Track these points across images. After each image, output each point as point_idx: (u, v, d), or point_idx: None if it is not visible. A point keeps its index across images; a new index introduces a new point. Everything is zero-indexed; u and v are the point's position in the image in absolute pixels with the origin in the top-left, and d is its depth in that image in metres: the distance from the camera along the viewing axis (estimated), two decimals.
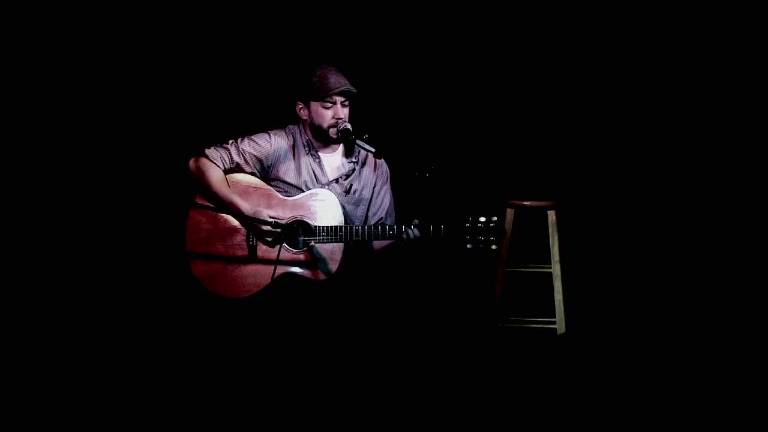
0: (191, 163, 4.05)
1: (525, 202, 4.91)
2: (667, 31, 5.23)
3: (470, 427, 3.76)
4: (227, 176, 4.06)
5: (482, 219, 3.88)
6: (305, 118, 4.13)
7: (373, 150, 4.07)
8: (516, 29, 5.30)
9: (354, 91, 4.06)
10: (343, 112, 4.07)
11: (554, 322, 4.90)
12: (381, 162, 4.24)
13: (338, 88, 4.03)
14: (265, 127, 4.17)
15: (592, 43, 5.29)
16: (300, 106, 4.13)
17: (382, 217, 4.21)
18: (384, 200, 4.23)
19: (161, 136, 4.98)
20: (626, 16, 5.24)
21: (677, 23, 5.21)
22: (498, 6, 5.27)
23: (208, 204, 4.02)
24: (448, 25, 5.28)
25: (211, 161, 4.04)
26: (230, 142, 4.10)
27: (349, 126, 4.07)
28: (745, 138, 5.22)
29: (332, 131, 4.08)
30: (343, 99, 4.06)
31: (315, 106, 4.08)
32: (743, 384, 4.13)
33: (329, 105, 4.06)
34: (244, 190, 4.04)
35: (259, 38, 5.13)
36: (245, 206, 3.99)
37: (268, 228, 3.94)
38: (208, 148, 4.07)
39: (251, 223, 3.97)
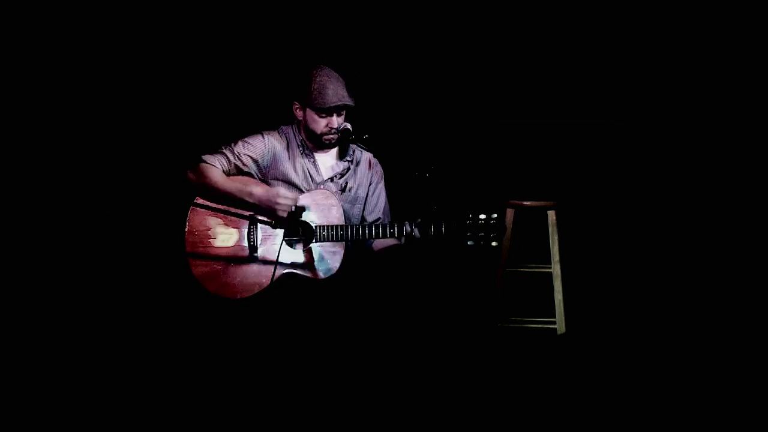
0: (190, 172, 4.04)
1: (525, 202, 4.91)
2: (666, 31, 5.23)
3: (470, 427, 3.76)
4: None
5: (482, 216, 3.89)
6: (300, 118, 4.13)
7: (371, 151, 4.08)
8: (517, 29, 5.30)
9: (351, 105, 4.05)
10: (338, 121, 4.07)
11: (554, 322, 4.90)
12: (375, 161, 4.25)
13: (335, 103, 4.01)
14: (260, 128, 4.17)
15: (592, 43, 5.29)
16: (296, 105, 4.13)
17: (380, 217, 4.22)
18: (379, 199, 4.24)
19: (160, 136, 4.98)
20: (626, 16, 5.24)
21: (677, 23, 5.21)
22: (498, 5, 5.27)
23: (209, 204, 4.02)
24: (448, 24, 5.28)
25: (210, 165, 4.04)
26: (224, 146, 4.09)
27: (348, 126, 4.07)
28: (745, 138, 5.22)
29: (325, 138, 4.08)
30: (339, 110, 4.07)
31: (310, 112, 4.08)
32: (743, 384, 4.13)
33: (324, 115, 4.05)
34: None
35: (256, 37, 5.12)
36: (260, 190, 3.97)
37: (286, 207, 3.94)
38: (204, 154, 4.07)
39: (269, 205, 3.96)
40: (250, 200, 3.99)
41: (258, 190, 3.99)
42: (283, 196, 3.96)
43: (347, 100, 4.04)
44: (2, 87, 4.86)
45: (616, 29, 5.26)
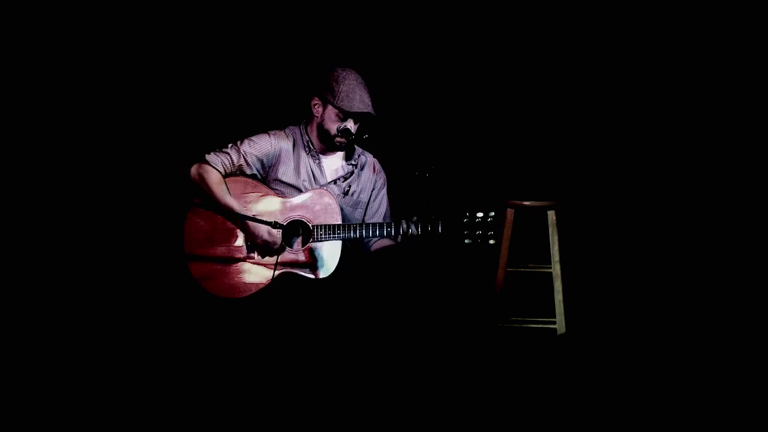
0: (192, 170, 4.04)
1: (525, 202, 4.91)
2: (667, 30, 5.23)
3: (470, 427, 3.75)
4: (226, 179, 4.06)
5: (479, 214, 3.89)
6: (317, 115, 4.12)
7: (370, 153, 4.09)
8: (517, 29, 5.30)
9: (373, 114, 4.06)
10: (354, 127, 4.08)
11: (554, 322, 4.89)
12: (379, 167, 4.26)
13: (361, 109, 4.03)
14: (266, 127, 4.18)
15: (592, 43, 5.28)
16: (316, 102, 4.11)
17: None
18: (381, 205, 4.25)
19: (161, 136, 4.98)
20: (626, 16, 5.24)
21: (677, 23, 5.20)
22: (499, 5, 5.27)
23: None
24: (448, 24, 5.28)
25: (212, 167, 4.04)
26: (230, 145, 4.09)
27: (349, 126, 4.08)
28: (745, 138, 5.21)
29: (337, 140, 4.09)
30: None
31: (330, 111, 4.07)
32: (743, 384, 4.12)
33: (345, 118, 4.05)
34: (242, 193, 4.04)
35: (258, 37, 5.13)
36: (246, 222, 3.98)
37: (266, 241, 3.95)
38: (208, 153, 4.06)
39: (251, 233, 3.98)
40: (232, 219, 4.00)
41: (244, 213, 3.98)
42: (266, 233, 3.97)
43: (371, 109, 4.05)
44: (2, 87, 4.86)
45: (616, 29, 5.25)
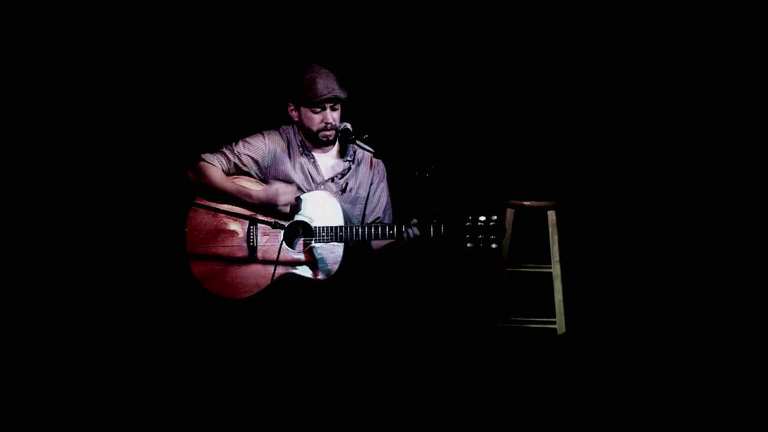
0: (190, 171, 4.05)
1: (525, 202, 4.91)
2: (666, 30, 5.23)
3: (470, 427, 3.76)
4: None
5: (482, 218, 3.88)
6: (296, 119, 4.13)
7: (372, 150, 4.08)
8: (517, 28, 5.30)
9: (342, 96, 4.06)
10: (333, 116, 4.07)
11: (554, 322, 4.90)
12: (377, 161, 4.25)
13: (325, 95, 4.02)
14: (260, 128, 4.18)
15: (592, 43, 5.28)
16: (291, 107, 4.13)
17: (379, 216, 4.22)
18: (381, 198, 4.24)
19: (161, 137, 4.98)
20: (626, 16, 5.24)
21: (677, 23, 5.21)
22: (498, 5, 5.27)
23: (209, 204, 4.01)
24: (448, 23, 5.28)
25: (210, 164, 4.05)
26: (225, 146, 4.10)
27: (349, 126, 4.08)
28: (745, 138, 5.21)
29: (321, 135, 4.08)
30: (332, 104, 4.06)
31: (305, 110, 4.08)
32: (743, 384, 4.13)
33: (318, 110, 4.06)
34: None
35: (253, 37, 5.12)
36: (259, 190, 3.99)
37: (287, 201, 3.97)
38: (205, 153, 4.07)
39: (270, 203, 3.99)
40: (250, 201, 4.01)
41: (257, 189, 4.01)
42: (283, 192, 3.98)
43: (338, 92, 4.04)
44: (2, 87, 4.86)
45: (616, 29, 5.25)
